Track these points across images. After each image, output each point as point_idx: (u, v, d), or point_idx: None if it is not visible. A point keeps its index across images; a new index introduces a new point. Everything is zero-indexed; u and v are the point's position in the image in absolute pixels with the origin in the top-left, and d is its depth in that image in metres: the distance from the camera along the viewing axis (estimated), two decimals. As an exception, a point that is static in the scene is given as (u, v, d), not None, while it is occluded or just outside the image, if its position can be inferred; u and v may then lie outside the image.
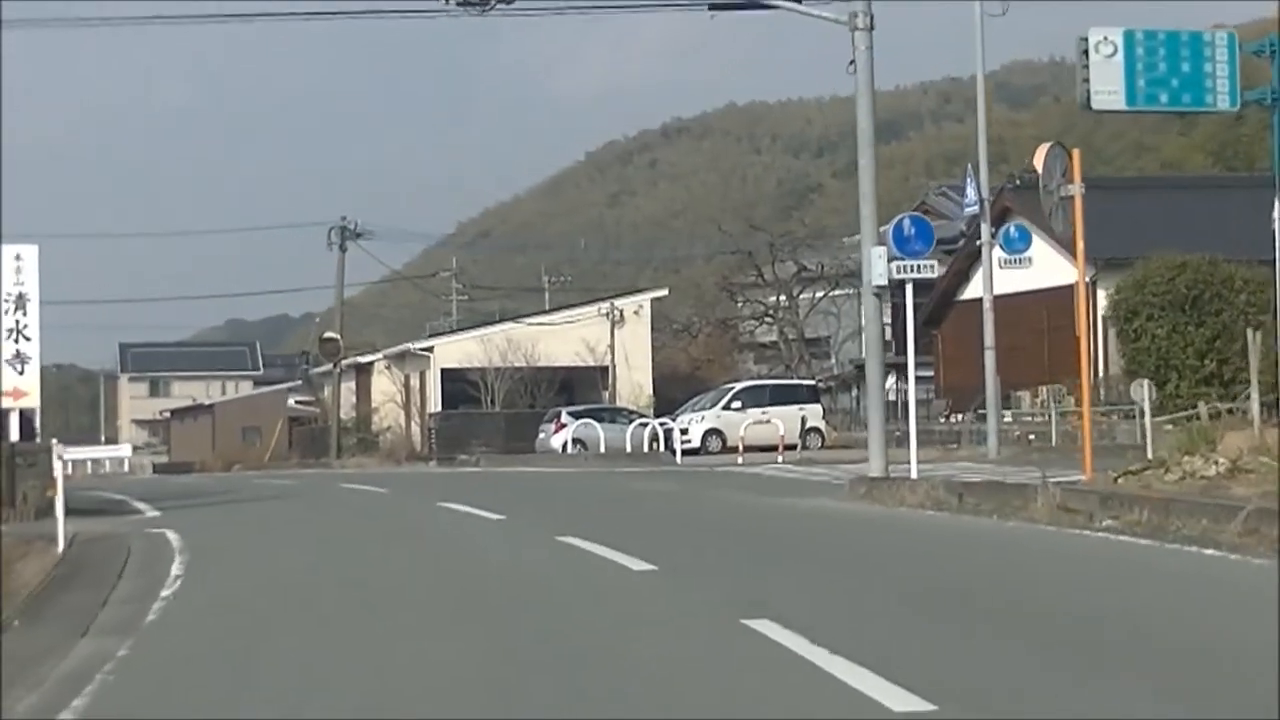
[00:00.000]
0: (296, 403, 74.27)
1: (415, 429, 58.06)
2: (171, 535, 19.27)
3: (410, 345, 60.00)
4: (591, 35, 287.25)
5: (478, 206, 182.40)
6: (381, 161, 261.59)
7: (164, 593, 13.29)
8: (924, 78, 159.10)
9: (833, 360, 62.76)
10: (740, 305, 64.58)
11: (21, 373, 22.49)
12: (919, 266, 20.90)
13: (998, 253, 33.12)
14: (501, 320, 61.77)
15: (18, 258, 22.56)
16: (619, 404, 53.92)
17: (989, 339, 32.19)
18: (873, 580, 12.38)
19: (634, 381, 57.08)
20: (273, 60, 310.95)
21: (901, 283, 21.08)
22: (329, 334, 59.90)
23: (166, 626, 11.33)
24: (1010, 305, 33.81)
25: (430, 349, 58.42)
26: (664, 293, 63.64)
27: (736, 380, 53.24)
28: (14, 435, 22.72)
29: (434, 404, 56.89)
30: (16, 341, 22.51)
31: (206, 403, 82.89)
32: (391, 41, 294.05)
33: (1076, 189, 21.32)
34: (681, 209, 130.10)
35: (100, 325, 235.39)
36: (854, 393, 62.80)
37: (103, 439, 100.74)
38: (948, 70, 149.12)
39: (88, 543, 18.86)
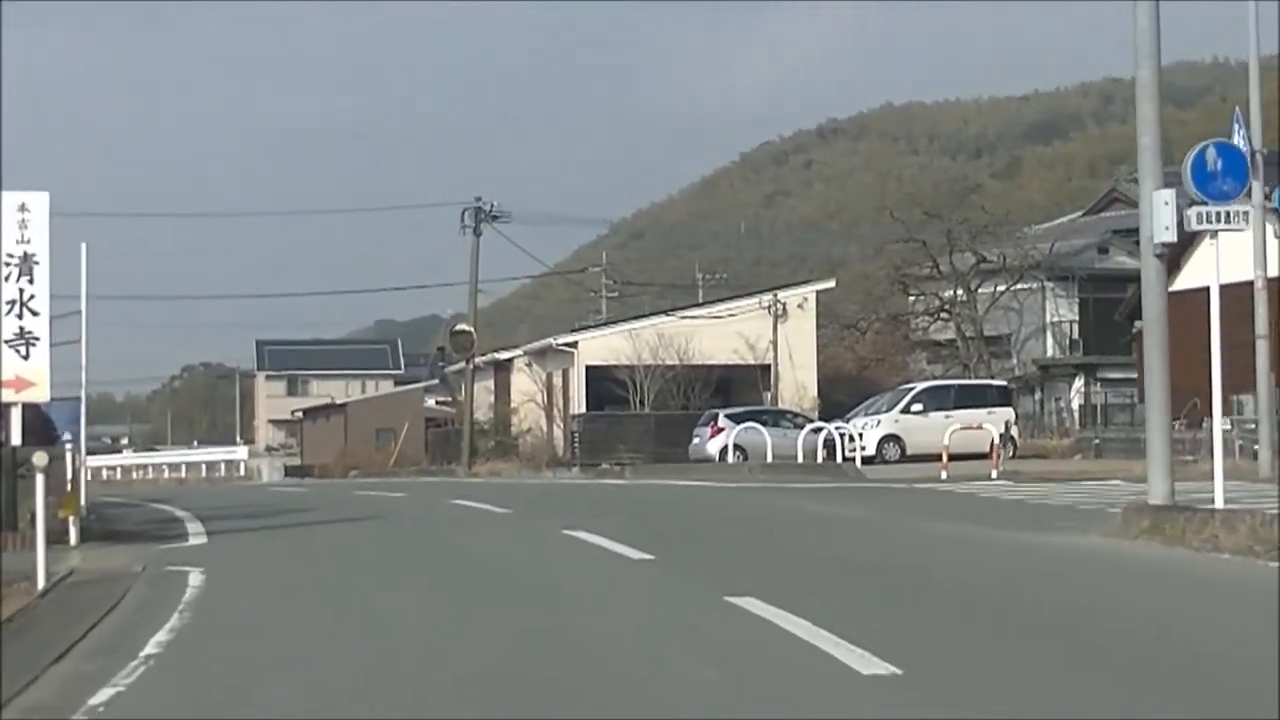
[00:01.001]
0: (436, 403, 70.05)
1: (557, 432, 53.13)
2: (195, 577, 14.33)
3: (552, 340, 54.75)
4: (748, 36, 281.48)
5: (631, 207, 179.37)
6: (535, 160, 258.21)
7: (98, 698, 8.21)
8: (1084, 78, 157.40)
9: (1014, 360, 57.95)
10: (913, 300, 59.29)
11: (26, 356, 17.03)
12: (1229, 215, 14.80)
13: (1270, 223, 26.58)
14: (652, 314, 56.33)
15: (22, 207, 16.99)
16: (781, 406, 48.48)
17: (1260, 327, 25.68)
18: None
19: (797, 381, 51.77)
20: (429, 60, 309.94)
21: (1198, 236, 15.16)
22: (461, 326, 54.76)
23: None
24: (1226, 296, 27.42)
25: (574, 344, 53.30)
26: (830, 284, 58.38)
27: (909, 381, 48.21)
28: (15, 438, 17.18)
29: (578, 404, 52.04)
30: (20, 316, 16.93)
31: (339, 402, 78.44)
32: (549, 39, 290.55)
33: None
34: (837, 210, 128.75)
35: (247, 323, 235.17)
36: (1037, 395, 58.35)
37: (238, 439, 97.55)
38: (1107, 71, 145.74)
39: (76, 586, 14.30)
